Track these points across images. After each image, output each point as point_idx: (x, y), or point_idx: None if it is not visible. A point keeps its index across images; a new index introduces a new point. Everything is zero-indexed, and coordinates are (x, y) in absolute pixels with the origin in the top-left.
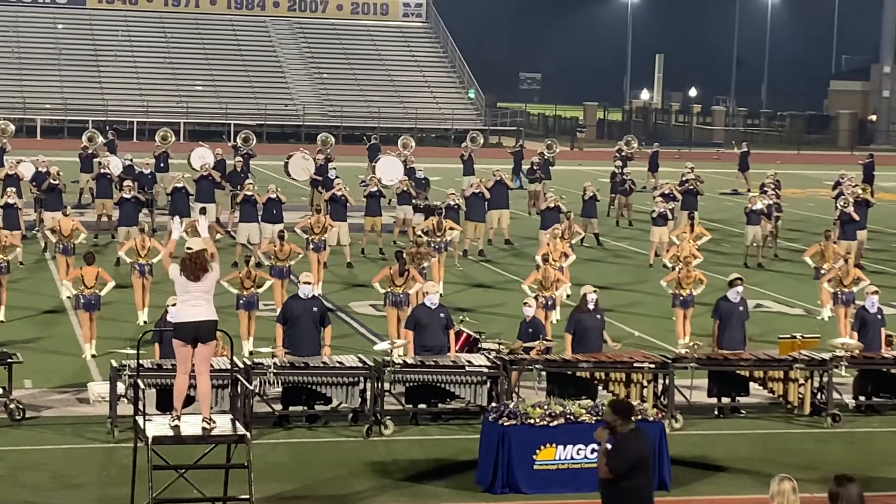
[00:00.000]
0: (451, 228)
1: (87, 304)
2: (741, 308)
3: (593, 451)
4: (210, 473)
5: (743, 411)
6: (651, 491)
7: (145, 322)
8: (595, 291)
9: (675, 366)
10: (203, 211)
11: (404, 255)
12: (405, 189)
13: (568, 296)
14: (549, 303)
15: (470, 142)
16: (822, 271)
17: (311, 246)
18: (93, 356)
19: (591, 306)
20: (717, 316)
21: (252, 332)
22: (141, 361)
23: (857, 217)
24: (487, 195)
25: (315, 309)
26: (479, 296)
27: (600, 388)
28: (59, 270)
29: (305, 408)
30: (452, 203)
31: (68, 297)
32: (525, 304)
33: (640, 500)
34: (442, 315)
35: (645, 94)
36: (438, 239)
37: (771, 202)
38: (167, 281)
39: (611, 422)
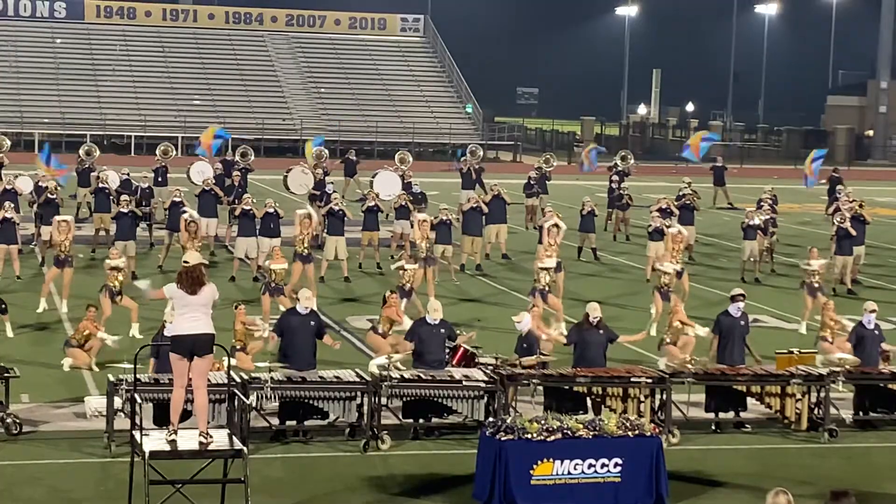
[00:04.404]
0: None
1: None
2: (742, 323)
3: (591, 466)
4: (207, 488)
5: (748, 426)
6: None
7: (132, 335)
8: (597, 308)
9: (673, 381)
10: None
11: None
12: (403, 204)
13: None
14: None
15: (470, 155)
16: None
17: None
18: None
19: (593, 322)
20: (717, 331)
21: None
22: (138, 376)
23: (854, 232)
24: (485, 210)
25: (312, 323)
26: (475, 310)
27: (589, 402)
28: (46, 280)
29: (303, 422)
30: (445, 218)
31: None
32: (516, 320)
33: None
34: (443, 331)
35: (642, 109)
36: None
37: (767, 217)
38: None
39: None
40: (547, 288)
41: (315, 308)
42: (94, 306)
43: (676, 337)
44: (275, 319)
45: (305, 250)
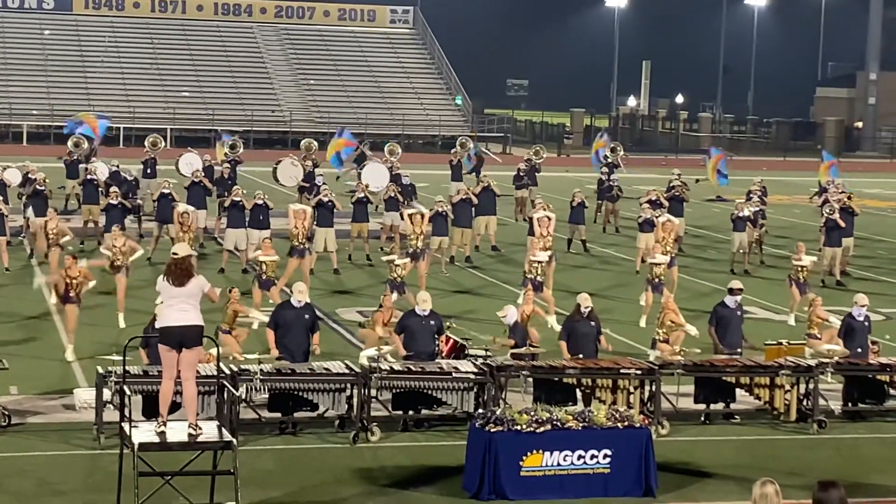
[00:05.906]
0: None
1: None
2: (738, 313)
3: (580, 457)
4: (196, 480)
5: (737, 417)
6: None
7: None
8: (588, 298)
9: (662, 372)
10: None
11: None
12: (392, 195)
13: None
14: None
15: (460, 147)
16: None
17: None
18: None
19: (584, 313)
20: (713, 321)
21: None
22: (127, 368)
23: (842, 224)
24: (475, 201)
25: (307, 316)
26: (465, 302)
27: (579, 393)
28: (38, 248)
29: (292, 414)
30: (441, 210)
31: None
32: (500, 315)
33: None
34: (433, 322)
35: (632, 101)
36: (416, 245)
37: (757, 209)
38: (145, 287)
39: None
40: (539, 278)
41: (309, 301)
42: (75, 256)
43: (669, 335)
44: (266, 312)
45: (301, 244)
